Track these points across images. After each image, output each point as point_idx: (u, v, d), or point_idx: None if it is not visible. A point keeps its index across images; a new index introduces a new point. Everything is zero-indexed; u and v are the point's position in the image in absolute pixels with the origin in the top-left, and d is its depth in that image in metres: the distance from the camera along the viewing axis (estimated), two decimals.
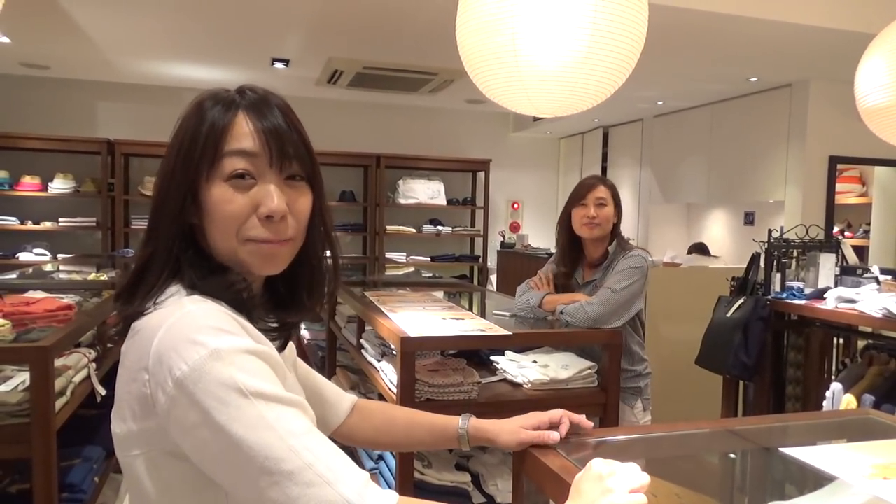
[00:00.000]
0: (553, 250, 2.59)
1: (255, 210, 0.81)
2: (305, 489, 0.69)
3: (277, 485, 0.69)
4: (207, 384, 0.70)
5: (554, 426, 1.08)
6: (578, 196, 2.35)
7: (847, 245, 3.37)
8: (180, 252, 0.82)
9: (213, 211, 0.81)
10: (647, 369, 2.37)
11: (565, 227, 2.40)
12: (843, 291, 2.84)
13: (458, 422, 1.08)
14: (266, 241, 0.82)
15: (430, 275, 4.15)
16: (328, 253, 0.93)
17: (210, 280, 0.81)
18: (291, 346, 1.01)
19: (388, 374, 2.00)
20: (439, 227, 6.73)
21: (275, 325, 0.90)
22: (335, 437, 1.14)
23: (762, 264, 3.26)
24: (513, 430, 1.07)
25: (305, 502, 0.69)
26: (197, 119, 0.82)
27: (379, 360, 2.14)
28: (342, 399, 1.14)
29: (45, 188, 5.62)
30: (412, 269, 5.06)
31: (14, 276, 3.30)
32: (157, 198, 0.84)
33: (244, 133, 0.81)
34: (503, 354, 2.14)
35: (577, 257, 2.43)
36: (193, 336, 0.73)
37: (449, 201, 6.75)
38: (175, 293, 0.80)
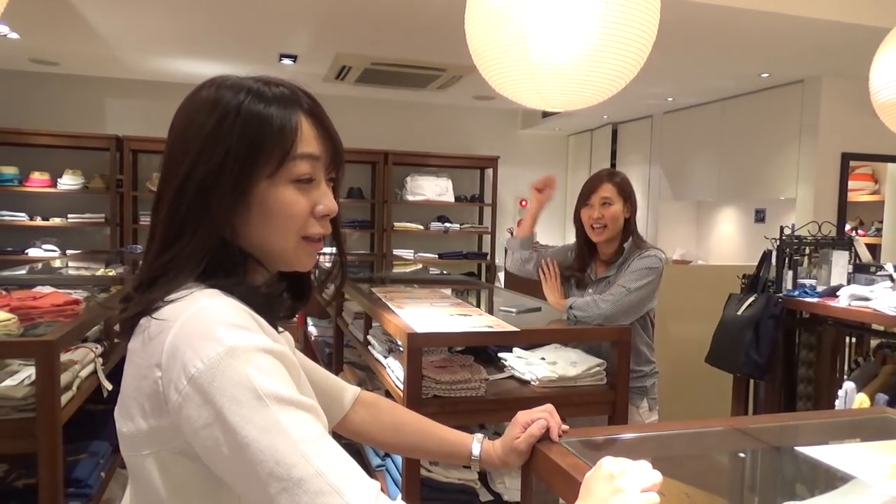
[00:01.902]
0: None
1: (312, 210, 0.83)
2: (315, 497, 0.67)
3: (287, 491, 0.67)
4: (222, 383, 0.69)
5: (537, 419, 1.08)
6: (584, 195, 2.33)
7: (860, 242, 3.33)
8: (219, 250, 0.80)
9: (275, 210, 0.81)
10: (654, 369, 2.34)
11: (578, 226, 2.38)
12: (856, 289, 2.81)
13: (472, 449, 1.09)
14: (320, 237, 0.86)
15: (438, 272, 4.14)
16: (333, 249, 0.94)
17: (242, 285, 0.80)
18: (289, 336, 1.00)
19: (394, 371, 1.99)
20: (447, 224, 6.71)
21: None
22: (338, 431, 1.13)
23: (774, 262, 3.22)
24: (509, 449, 1.07)
25: None
26: (248, 117, 0.79)
27: (386, 357, 2.13)
28: (344, 391, 1.13)
29: (54, 184, 5.64)
30: (420, 266, 5.04)
31: (23, 271, 3.31)
32: (193, 194, 0.78)
33: (311, 137, 0.83)
34: (511, 351, 2.12)
35: (590, 256, 2.40)
36: (209, 332, 0.71)
37: (457, 198, 6.74)
38: (187, 288, 0.77)
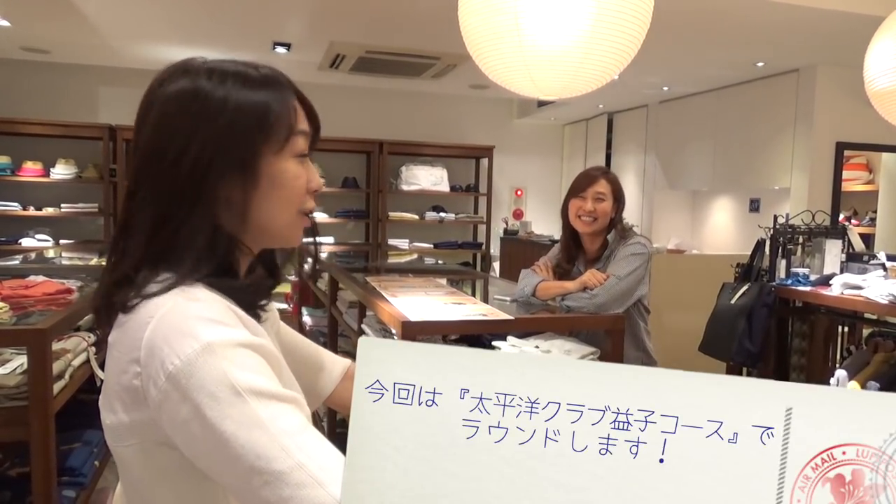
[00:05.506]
0: (557, 237, 2.58)
1: (307, 185, 0.87)
2: (297, 490, 0.67)
3: (269, 484, 0.67)
4: (200, 379, 0.69)
5: None
6: (578, 188, 2.34)
7: (853, 231, 3.34)
8: (210, 238, 0.79)
9: (284, 183, 0.83)
10: (652, 356, 2.36)
11: (565, 219, 2.39)
12: (849, 278, 2.82)
13: None
14: (312, 213, 0.89)
15: (433, 261, 4.13)
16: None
17: (225, 278, 0.80)
18: (274, 311, 0.99)
19: None
20: (442, 214, 6.70)
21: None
22: (328, 404, 1.12)
23: (767, 251, 3.23)
24: None
25: (297, 503, 0.67)
26: (242, 99, 0.80)
27: None
28: (334, 364, 1.12)
29: (46, 174, 5.61)
30: (415, 256, 5.04)
31: (16, 261, 3.29)
32: (186, 176, 0.77)
33: (302, 115, 0.86)
34: (505, 340, 2.12)
35: (577, 250, 2.42)
36: (186, 328, 0.71)
37: (452, 188, 6.73)
38: (166, 282, 0.76)
